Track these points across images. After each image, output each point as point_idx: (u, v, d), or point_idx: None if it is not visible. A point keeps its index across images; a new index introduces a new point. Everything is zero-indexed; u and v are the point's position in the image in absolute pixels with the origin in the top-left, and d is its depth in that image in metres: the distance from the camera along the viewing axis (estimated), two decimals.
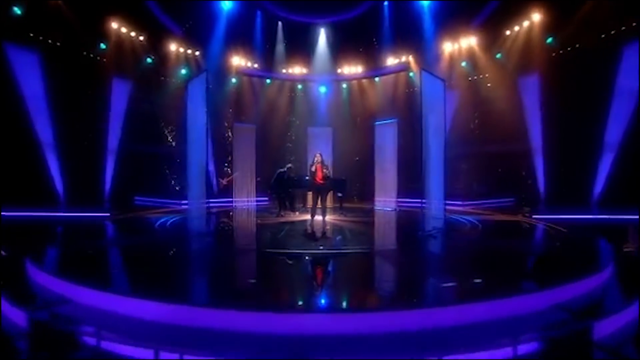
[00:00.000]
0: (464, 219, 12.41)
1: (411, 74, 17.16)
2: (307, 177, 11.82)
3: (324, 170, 11.35)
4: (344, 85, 18.70)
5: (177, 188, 16.71)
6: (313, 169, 11.35)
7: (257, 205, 16.41)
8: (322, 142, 15.75)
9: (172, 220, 12.15)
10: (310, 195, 12.47)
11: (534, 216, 12.76)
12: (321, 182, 11.28)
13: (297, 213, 13.73)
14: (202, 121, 10.04)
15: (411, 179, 16.66)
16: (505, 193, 15.79)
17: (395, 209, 14.82)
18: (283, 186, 13.63)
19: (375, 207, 15.45)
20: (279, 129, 18.56)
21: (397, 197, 15.03)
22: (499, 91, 15.65)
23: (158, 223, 11.76)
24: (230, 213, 14.87)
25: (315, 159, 11.45)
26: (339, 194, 14.19)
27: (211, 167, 17.72)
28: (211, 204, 15.30)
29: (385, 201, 15.32)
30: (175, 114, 15.71)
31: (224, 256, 8.46)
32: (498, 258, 7.82)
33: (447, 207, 11.14)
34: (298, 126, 18.75)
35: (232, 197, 16.31)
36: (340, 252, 8.23)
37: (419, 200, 15.27)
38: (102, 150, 15.32)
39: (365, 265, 7.83)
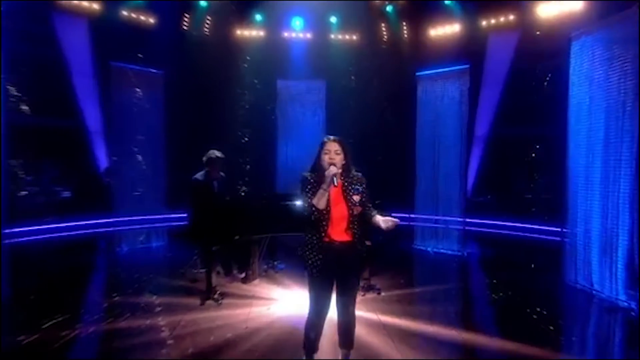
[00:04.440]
0: None
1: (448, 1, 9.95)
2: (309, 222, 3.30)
3: (355, 198, 3.28)
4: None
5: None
6: (321, 204, 3.19)
7: (175, 233, 8.06)
8: (307, 108, 8.37)
9: None
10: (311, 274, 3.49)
11: None
12: (349, 239, 3.30)
13: (255, 281, 5.93)
14: None
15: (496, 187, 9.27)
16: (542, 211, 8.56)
17: (463, 253, 7.47)
18: (211, 223, 5.40)
19: (420, 246, 7.86)
20: (217, 81, 9.54)
21: (465, 217, 7.54)
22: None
23: None
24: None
25: (326, 157, 3.24)
26: (367, 242, 4.94)
27: (101, 152, 9.49)
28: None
29: (442, 224, 7.78)
30: None
31: None
32: None
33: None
34: (257, 77, 9.84)
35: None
36: None
37: (507, 225, 7.98)
38: None
39: None
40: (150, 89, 8.05)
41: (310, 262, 3.26)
